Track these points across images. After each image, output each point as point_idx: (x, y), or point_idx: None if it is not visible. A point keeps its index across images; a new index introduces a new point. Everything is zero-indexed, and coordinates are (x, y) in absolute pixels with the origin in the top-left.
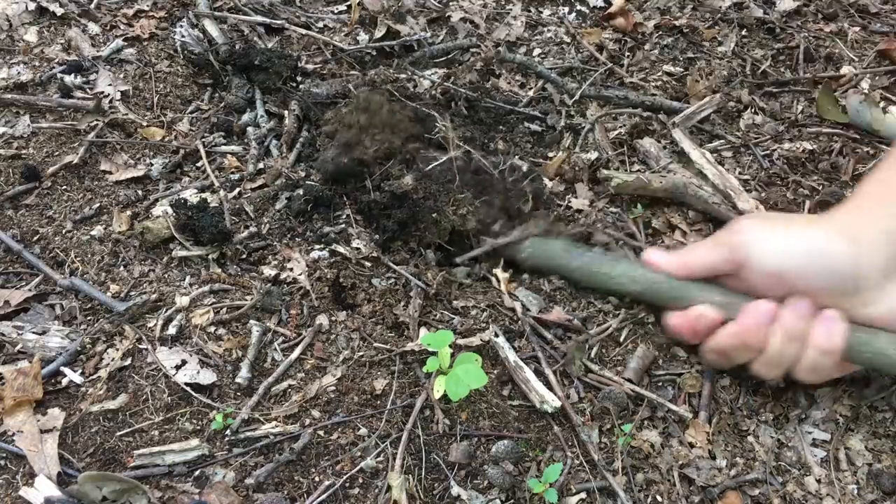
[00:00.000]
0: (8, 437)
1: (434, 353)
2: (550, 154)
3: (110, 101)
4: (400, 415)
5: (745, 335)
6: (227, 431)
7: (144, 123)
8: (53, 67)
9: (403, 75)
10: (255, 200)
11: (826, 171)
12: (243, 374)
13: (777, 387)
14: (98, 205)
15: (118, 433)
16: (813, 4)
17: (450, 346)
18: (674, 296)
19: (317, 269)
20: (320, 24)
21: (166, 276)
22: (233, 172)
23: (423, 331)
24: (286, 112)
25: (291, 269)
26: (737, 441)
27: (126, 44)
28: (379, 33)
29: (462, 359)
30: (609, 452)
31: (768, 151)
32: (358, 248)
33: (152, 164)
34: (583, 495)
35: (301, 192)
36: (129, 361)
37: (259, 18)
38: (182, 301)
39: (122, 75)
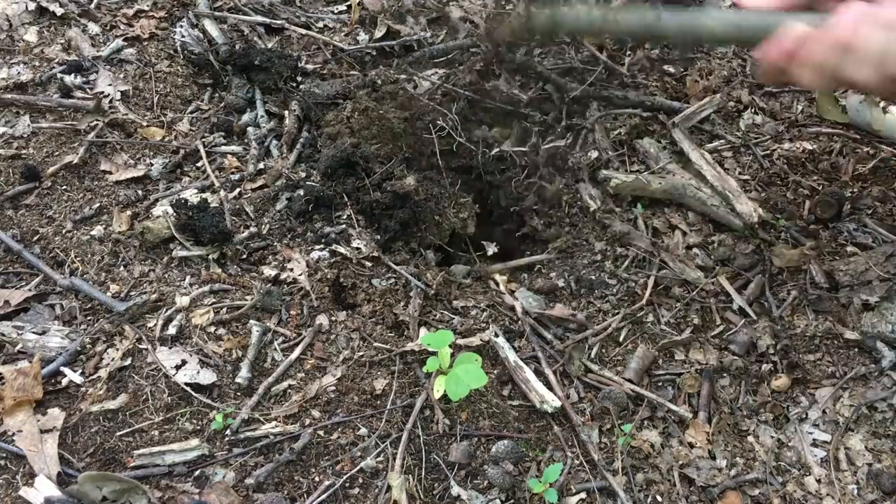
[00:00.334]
0: (8, 437)
1: (434, 353)
2: None
3: (110, 101)
4: (400, 415)
5: (841, 37)
6: (227, 431)
7: (144, 123)
8: (53, 67)
9: (403, 76)
10: (255, 201)
11: (826, 171)
12: (243, 374)
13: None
14: (98, 205)
15: (118, 433)
16: None
17: (450, 346)
18: (766, 25)
19: (317, 269)
20: (320, 24)
21: (166, 276)
22: (233, 172)
23: (423, 331)
24: (286, 112)
25: (291, 270)
26: (737, 441)
27: (126, 44)
28: (379, 33)
29: (462, 359)
30: (609, 452)
31: (768, 151)
32: (358, 248)
33: (152, 164)
34: (583, 495)
35: (301, 192)
36: (129, 361)
37: (259, 18)
38: (182, 301)
39: (122, 75)
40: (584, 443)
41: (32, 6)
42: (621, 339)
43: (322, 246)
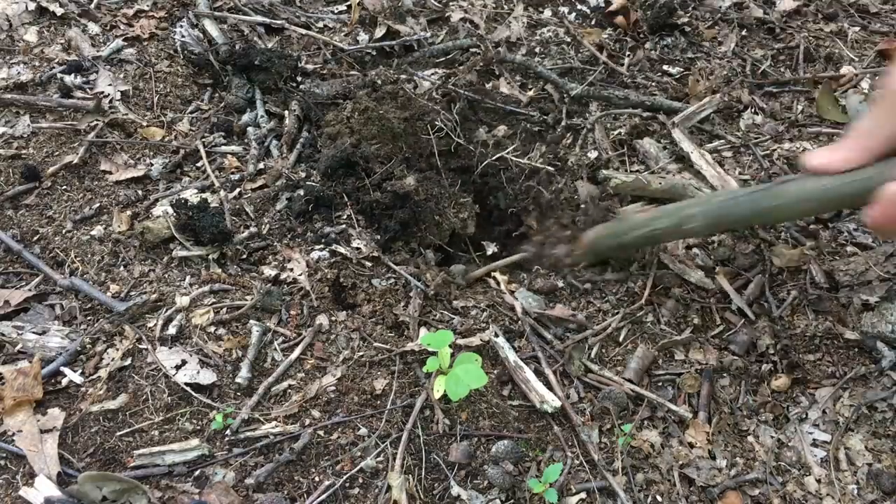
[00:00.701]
0: (8, 437)
1: (434, 353)
2: None
3: (110, 101)
4: (400, 415)
5: None
6: (227, 431)
7: (144, 123)
8: (53, 67)
9: (403, 76)
10: (255, 201)
11: None
12: (243, 374)
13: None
14: (98, 205)
15: (118, 433)
16: (813, 4)
17: (450, 346)
18: (858, 190)
19: (317, 269)
20: (320, 24)
21: (166, 276)
22: (233, 172)
23: (423, 331)
24: (286, 112)
25: (291, 270)
26: (737, 441)
27: (126, 44)
28: (379, 33)
29: (462, 359)
30: (609, 452)
31: (768, 151)
32: (358, 248)
33: (152, 164)
34: (583, 495)
35: (301, 192)
36: (129, 361)
37: (259, 18)
38: (182, 301)
39: (122, 75)
40: (584, 443)
41: (32, 6)
42: (621, 339)
43: (322, 246)
